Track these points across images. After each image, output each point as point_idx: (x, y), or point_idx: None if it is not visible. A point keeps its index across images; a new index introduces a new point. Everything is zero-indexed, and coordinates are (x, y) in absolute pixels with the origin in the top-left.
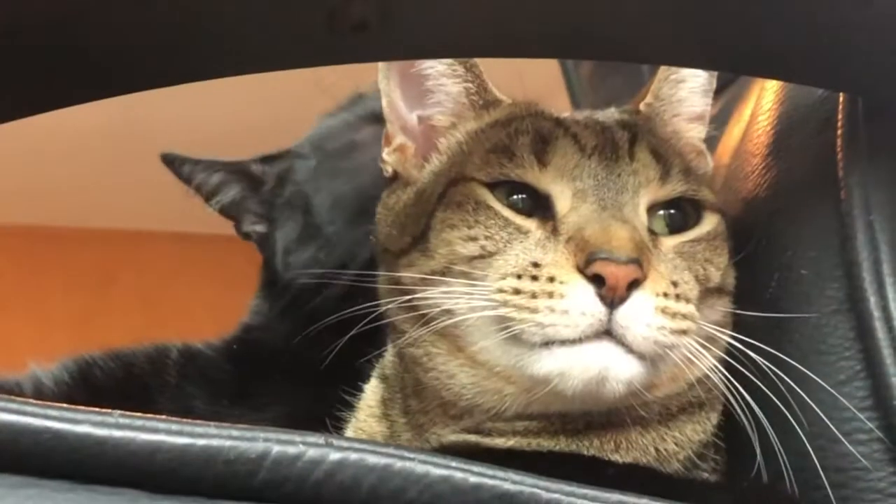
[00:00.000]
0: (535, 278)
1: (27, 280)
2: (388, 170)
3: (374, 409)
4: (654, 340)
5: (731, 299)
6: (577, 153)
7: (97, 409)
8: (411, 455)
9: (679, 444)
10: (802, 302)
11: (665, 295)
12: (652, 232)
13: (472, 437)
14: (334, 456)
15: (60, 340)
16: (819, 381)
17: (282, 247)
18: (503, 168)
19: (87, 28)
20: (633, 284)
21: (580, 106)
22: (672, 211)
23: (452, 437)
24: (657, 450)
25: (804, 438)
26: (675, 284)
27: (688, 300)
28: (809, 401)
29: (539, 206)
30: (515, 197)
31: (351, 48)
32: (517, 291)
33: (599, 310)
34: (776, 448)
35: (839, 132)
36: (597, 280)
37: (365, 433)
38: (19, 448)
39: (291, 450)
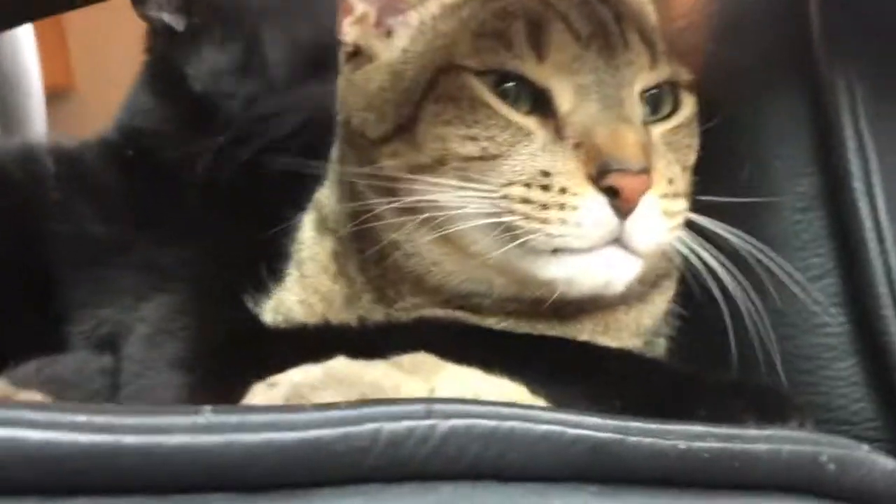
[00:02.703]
0: (545, 188)
1: None
2: (349, 43)
3: (324, 263)
4: (657, 242)
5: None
6: (575, 44)
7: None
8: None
9: (652, 316)
10: (775, 195)
11: (665, 196)
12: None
13: (460, 313)
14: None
15: None
16: (793, 273)
17: (208, 68)
18: (498, 56)
19: None
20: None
21: None
22: (654, 91)
23: (440, 311)
24: (637, 325)
25: (775, 327)
26: (670, 182)
27: (681, 195)
28: (783, 291)
29: (535, 99)
30: (508, 86)
31: None
32: (526, 201)
33: (613, 221)
34: (757, 332)
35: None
36: (610, 192)
37: (319, 292)
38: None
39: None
